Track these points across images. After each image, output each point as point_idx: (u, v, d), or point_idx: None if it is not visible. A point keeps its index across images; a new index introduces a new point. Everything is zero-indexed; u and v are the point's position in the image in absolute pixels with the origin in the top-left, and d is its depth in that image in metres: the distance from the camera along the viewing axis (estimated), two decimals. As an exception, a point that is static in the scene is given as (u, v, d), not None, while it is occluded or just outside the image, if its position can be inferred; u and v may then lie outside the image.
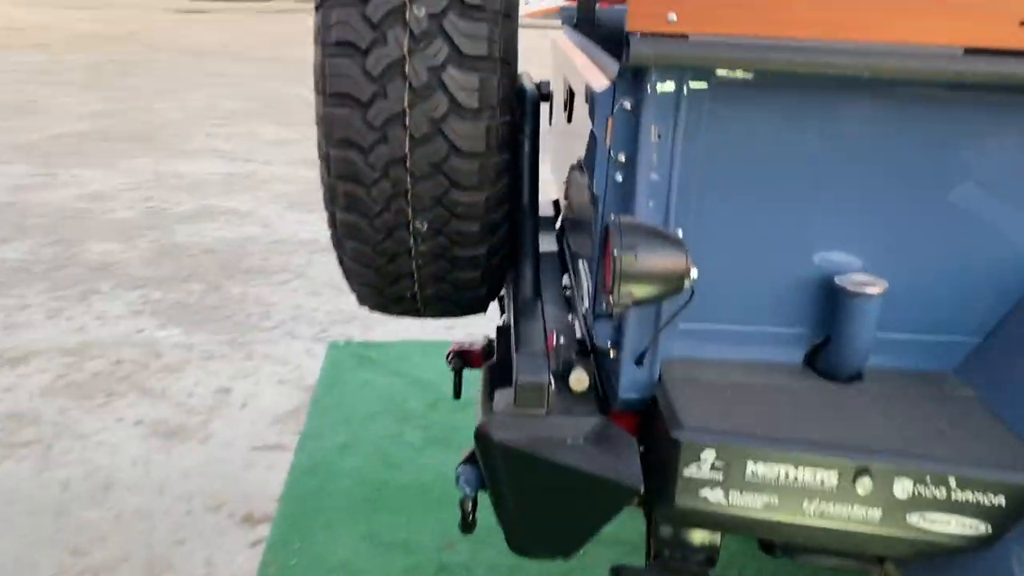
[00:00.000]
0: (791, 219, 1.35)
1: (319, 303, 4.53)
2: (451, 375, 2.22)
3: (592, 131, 1.38)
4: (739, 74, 1.26)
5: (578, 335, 1.58)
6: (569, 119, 1.83)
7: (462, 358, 2.18)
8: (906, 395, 1.35)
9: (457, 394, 2.22)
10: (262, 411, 3.41)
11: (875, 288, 1.32)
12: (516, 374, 1.33)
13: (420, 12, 1.46)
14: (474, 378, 1.71)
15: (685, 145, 1.29)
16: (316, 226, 5.79)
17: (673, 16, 1.21)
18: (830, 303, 1.38)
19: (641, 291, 1.21)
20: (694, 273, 1.21)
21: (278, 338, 4.11)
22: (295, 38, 17.04)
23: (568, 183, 2.00)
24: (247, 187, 6.78)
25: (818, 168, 1.33)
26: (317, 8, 1.52)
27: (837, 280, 1.35)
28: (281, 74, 12.67)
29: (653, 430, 1.36)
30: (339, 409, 3.40)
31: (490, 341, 2.20)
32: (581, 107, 1.63)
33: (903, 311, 1.38)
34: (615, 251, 1.19)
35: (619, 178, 1.34)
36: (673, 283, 1.21)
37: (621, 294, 1.21)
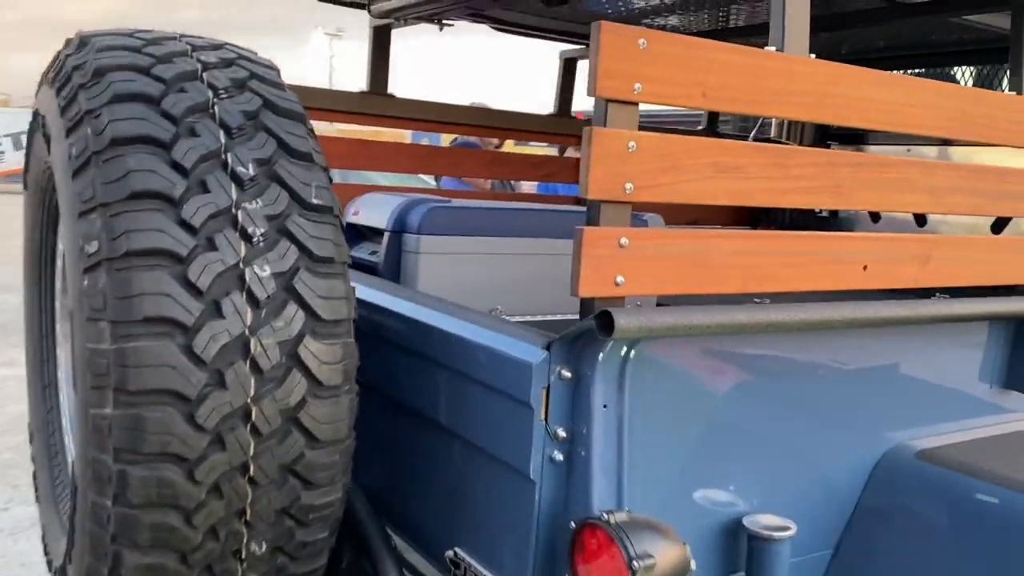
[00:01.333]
0: (713, 469, 1.31)
1: None
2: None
3: (512, 405, 1.17)
4: (679, 336, 1.20)
5: None
6: None
7: None
8: None
9: None
10: None
11: (787, 531, 1.32)
12: None
13: (264, 271, 1.11)
14: None
15: (630, 411, 1.17)
16: None
17: (621, 279, 1.12)
18: (736, 547, 1.34)
19: (658, 600, 1.03)
20: (693, 565, 1.08)
21: None
22: None
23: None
24: None
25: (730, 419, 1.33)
26: (89, 269, 1.07)
27: (747, 524, 1.32)
28: None
29: None
30: None
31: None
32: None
33: None
34: (635, 563, 1.00)
35: (559, 456, 1.16)
36: (679, 581, 1.06)
37: (642, 610, 1.01)
